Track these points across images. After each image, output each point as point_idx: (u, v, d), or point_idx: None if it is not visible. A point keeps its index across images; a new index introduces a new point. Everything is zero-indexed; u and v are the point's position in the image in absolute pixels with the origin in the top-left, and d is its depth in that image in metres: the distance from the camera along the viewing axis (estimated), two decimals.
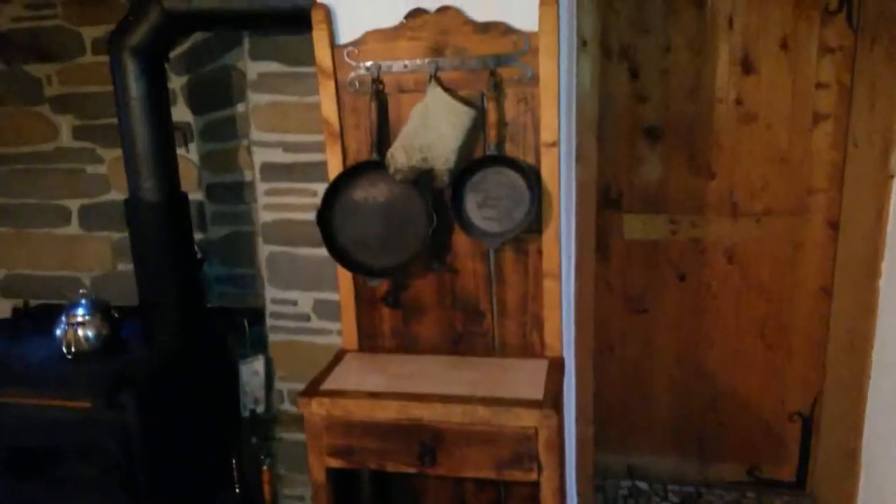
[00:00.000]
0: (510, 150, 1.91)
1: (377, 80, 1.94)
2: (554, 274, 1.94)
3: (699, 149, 2.67)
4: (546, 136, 1.86)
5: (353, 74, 1.97)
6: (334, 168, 2.03)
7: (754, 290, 2.75)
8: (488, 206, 1.92)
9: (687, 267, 2.79)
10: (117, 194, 2.82)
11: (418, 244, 1.95)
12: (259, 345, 2.69)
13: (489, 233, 1.91)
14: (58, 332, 2.27)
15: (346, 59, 1.97)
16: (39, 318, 2.73)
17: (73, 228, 2.91)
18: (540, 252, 1.94)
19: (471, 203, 1.92)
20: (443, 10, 1.87)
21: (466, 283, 2.03)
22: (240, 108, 2.66)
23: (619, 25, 2.65)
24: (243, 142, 2.69)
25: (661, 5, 2.60)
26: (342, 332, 2.14)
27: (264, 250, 2.63)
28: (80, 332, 2.23)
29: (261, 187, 2.58)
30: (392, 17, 1.92)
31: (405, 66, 1.92)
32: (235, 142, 2.70)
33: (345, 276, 2.08)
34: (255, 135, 2.55)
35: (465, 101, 1.87)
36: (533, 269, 1.97)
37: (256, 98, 2.52)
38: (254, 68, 2.50)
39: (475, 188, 1.91)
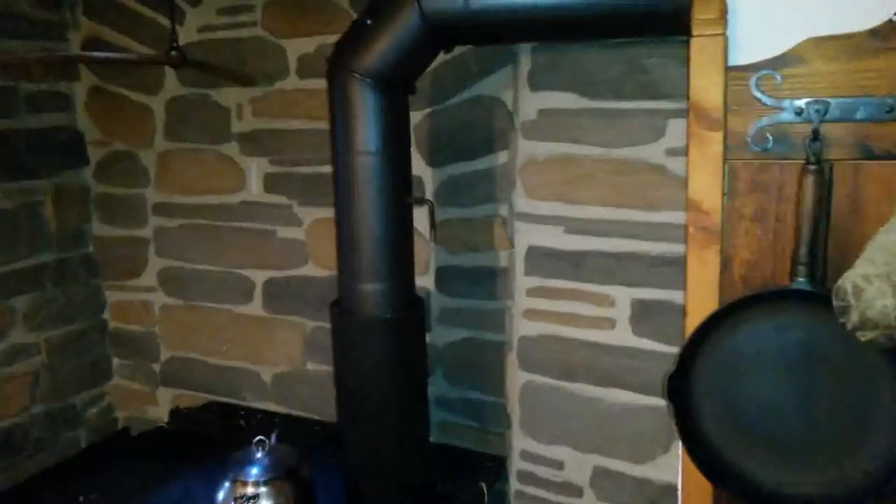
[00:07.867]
0: None
1: (818, 138, 0.99)
2: None
3: None
4: None
5: (764, 121, 1.04)
6: (703, 291, 1.08)
7: None
8: None
9: None
10: (316, 269, 2.05)
11: (885, 459, 0.99)
12: None
13: None
14: (220, 497, 1.48)
15: (755, 91, 1.04)
16: (200, 431, 2.06)
17: (255, 308, 2.17)
18: None
19: None
20: None
21: None
22: (500, 159, 1.77)
23: None
24: (500, 210, 1.79)
25: None
26: None
27: (519, 377, 1.72)
28: None
29: (523, 282, 1.68)
30: (852, 16, 0.96)
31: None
32: (488, 208, 1.82)
33: (693, 472, 1.11)
34: (522, 202, 1.65)
35: None
36: None
37: (531, 147, 1.62)
38: (532, 101, 1.60)
39: None
